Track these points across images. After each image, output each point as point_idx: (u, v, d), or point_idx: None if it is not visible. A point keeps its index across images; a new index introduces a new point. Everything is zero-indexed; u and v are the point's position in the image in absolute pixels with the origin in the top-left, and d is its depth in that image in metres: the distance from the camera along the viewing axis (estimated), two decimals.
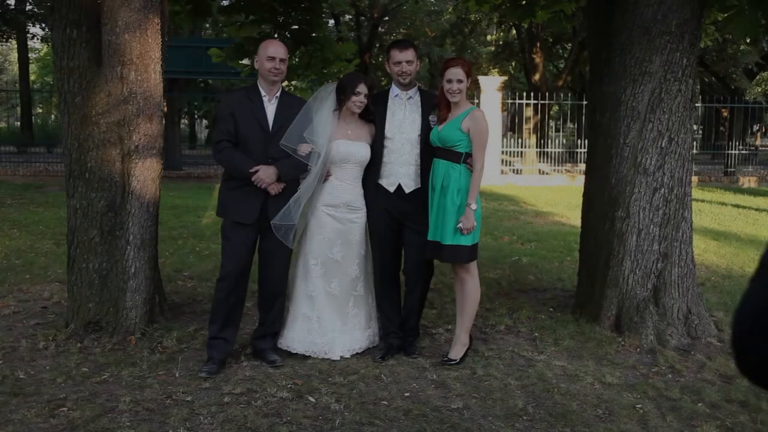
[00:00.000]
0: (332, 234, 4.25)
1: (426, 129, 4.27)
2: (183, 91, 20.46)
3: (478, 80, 16.94)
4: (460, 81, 4.09)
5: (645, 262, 4.72)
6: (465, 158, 4.12)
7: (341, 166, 4.25)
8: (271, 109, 4.11)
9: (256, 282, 4.33)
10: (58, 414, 3.41)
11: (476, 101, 16.31)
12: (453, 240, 4.10)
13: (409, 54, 4.26)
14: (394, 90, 4.34)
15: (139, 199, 4.58)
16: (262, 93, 4.12)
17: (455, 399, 3.69)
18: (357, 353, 4.31)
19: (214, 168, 15.85)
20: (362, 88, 4.18)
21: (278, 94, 4.15)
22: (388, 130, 4.30)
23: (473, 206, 4.08)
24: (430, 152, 4.23)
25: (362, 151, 4.26)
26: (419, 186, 4.29)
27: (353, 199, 4.28)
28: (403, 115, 4.30)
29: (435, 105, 4.29)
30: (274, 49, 4.09)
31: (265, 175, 3.98)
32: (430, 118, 4.28)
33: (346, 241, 4.28)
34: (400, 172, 4.29)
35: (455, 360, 4.19)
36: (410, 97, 4.33)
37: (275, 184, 4.02)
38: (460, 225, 4.07)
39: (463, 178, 4.10)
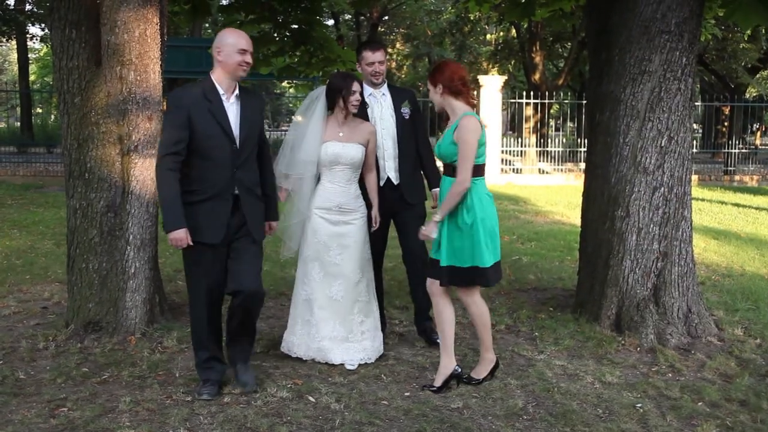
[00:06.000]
0: (327, 237, 4.18)
1: (401, 122, 4.46)
2: None
3: (478, 80, 16.94)
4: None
5: (645, 261, 4.72)
6: None
7: (331, 169, 4.17)
8: (233, 111, 3.61)
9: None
10: (58, 414, 3.42)
11: (476, 102, 16.30)
12: (436, 254, 3.80)
13: (380, 55, 4.46)
14: (367, 89, 4.45)
15: (139, 199, 4.59)
16: (221, 91, 3.59)
17: (455, 398, 3.69)
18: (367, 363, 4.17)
19: None
20: (357, 87, 4.15)
21: (237, 92, 3.65)
22: None
23: (436, 218, 3.74)
24: (406, 143, 4.44)
25: (352, 153, 4.15)
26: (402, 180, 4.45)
27: (346, 202, 4.19)
28: (381, 112, 4.47)
29: (407, 98, 4.48)
30: (247, 42, 3.62)
31: (178, 239, 3.49)
32: (402, 110, 4.46)
33: (343, 243, 4.19)
34: (387, 165, 4.45)
35: (477, 380, 3.91)
36: (383, 94, 4.52)
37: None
38: (422, 230, 3.84)
39: (468, 195, 3.72)
